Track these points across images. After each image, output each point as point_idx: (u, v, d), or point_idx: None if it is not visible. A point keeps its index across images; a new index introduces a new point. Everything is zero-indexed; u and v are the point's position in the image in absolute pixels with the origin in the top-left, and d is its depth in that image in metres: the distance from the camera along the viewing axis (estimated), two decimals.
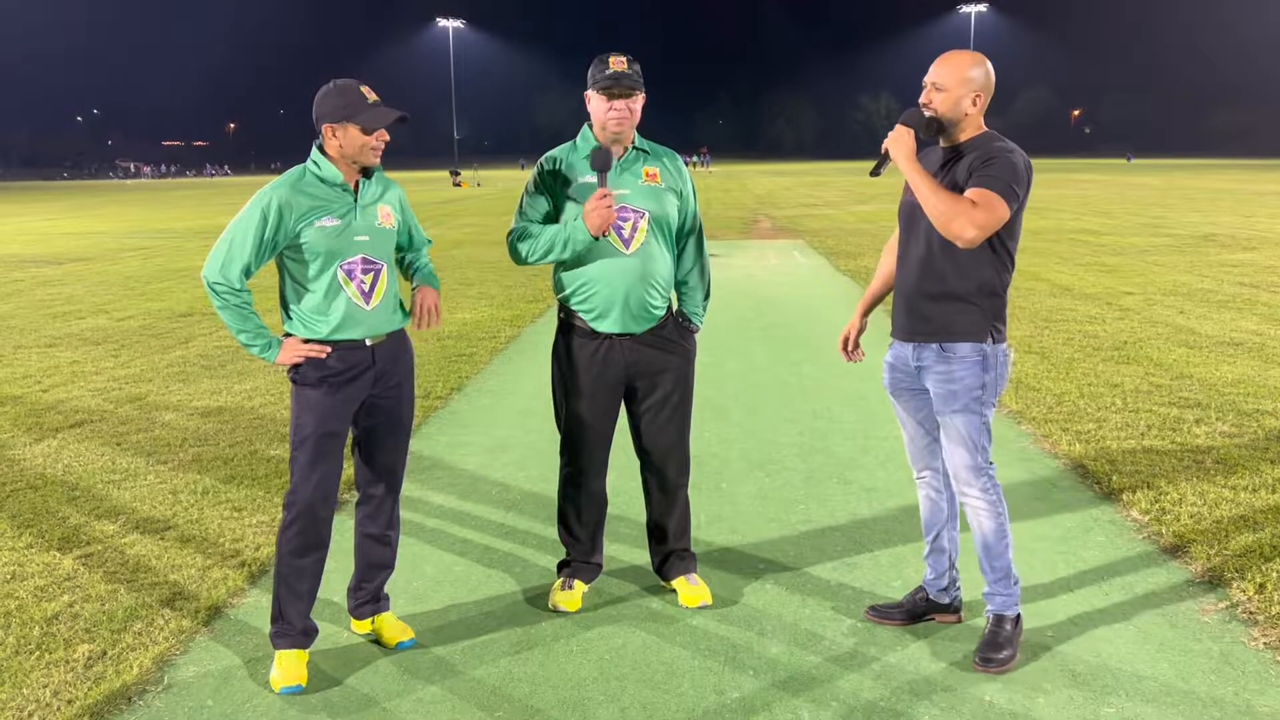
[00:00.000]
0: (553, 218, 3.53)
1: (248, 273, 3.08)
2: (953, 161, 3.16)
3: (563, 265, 3.53)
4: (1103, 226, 20.36)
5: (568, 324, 3.59)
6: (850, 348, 3.61)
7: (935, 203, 2.99)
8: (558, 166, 3.51)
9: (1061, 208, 26.16)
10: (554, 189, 3.51)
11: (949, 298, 3.16)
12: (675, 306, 3.70)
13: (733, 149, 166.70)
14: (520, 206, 3.57)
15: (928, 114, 3.14)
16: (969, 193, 3.00)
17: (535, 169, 3.56)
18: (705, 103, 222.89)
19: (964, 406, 3.18)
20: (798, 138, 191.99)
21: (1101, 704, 2.99)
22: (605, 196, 3.31)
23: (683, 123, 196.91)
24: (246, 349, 3.15)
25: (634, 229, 3.46)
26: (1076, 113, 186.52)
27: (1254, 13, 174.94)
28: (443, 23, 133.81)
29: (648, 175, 3.51)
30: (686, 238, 3.68)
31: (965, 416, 3.18)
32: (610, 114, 3.40)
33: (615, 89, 3.37)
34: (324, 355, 3.13)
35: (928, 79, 3.16)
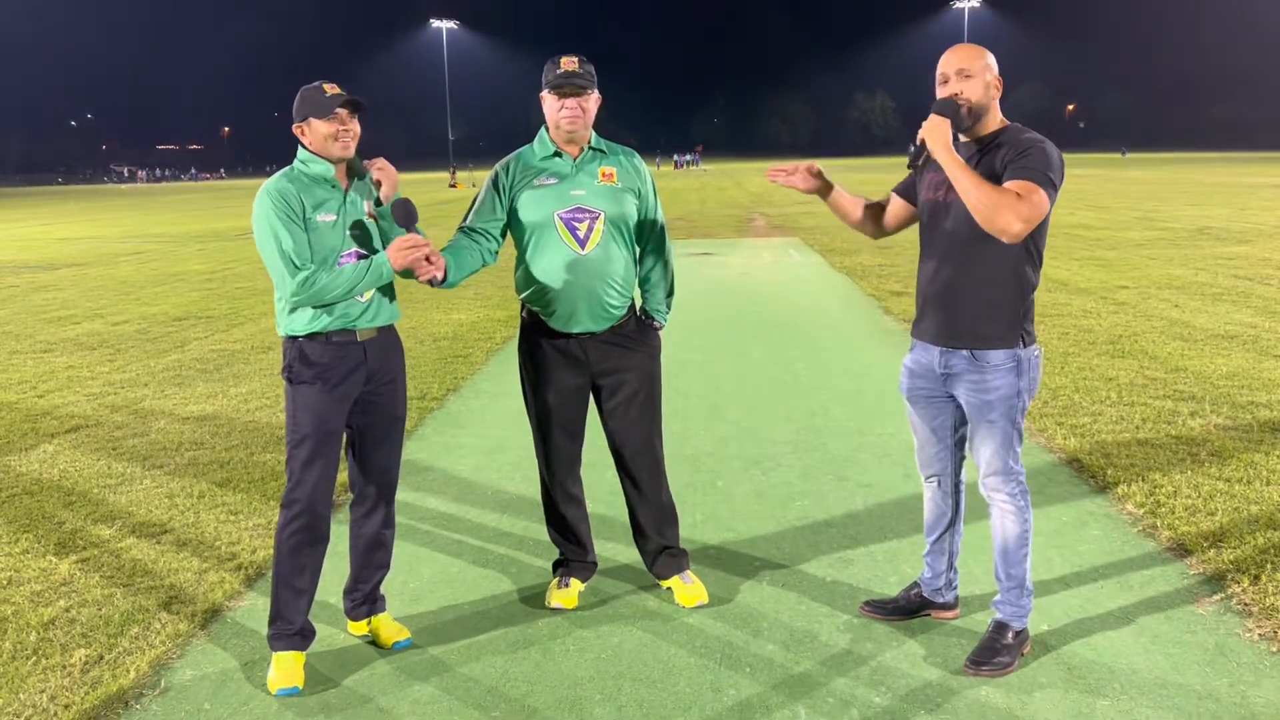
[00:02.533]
0: (503, 222, 3.55)
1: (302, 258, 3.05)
2: (982, 156, 3.04)
3: (523, 266, 3.56)
4: (1098, 221, 20.39)
5: (531, 324, 3.62)
6: (790, 175, 3.41)
7: (980, 196, 2.86)
8: (514, 170, 3.54)
9: (1056, 202, 26.13)
10: (511, 192, 3.53)
11: (981, 300, 3.06)
12: (639, 305, 3.72)
13: (729, 147, 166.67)
14: (471, 207, 3.58)
15: (963, 105, 3.01)
16: (1010, 185, 2.88)
17: (492, 173, 3.58)
18: (701, 102, 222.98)
19: (1002, 414, 3.09)
20: (794, 136, 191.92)
21: (1097, 698, 2.99)
22: (410, 243, 3.14)
23: (679, 122, 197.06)
24: (368, 287, 3.10)
25: (590, 229, 3.47)
26: (1071, 108, 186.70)
27: (1249, 7, 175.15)
28: (436, 23, 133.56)
29: (604, 175, 3.53)
30: (648, 236, 3.69)
31: (1003, 424, 3.10)
32: (563, 112, 3.42)
33: (567, 87, 3.40)
34: (422, 242, 3.10)
35: (950, 69, 3.03)
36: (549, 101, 3.45)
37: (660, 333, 3.75)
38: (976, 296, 3.07)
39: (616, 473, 3.80)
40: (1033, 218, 2.87)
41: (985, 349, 3.08)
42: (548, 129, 3.53)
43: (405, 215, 3.19)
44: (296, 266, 3.03)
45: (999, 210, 2.84)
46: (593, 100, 3.47)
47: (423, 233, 3.23)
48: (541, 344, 3.59)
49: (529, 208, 3.48)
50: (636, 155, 3.67)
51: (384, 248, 3.21)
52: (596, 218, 3.48)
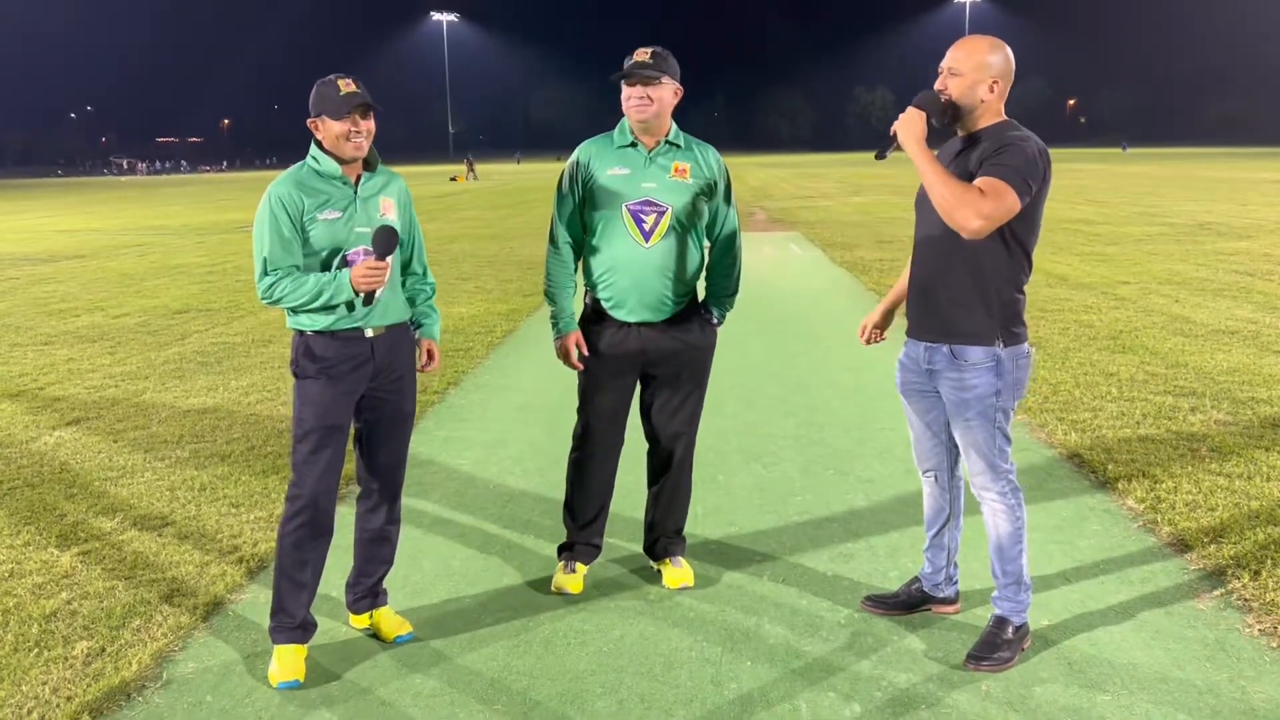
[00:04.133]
0: (579, 215, 3.60)
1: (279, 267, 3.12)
2: (966, 150, 3.06)
3: (591, 254, 3.61)
4: (1098, 216, 20.38)
5: (592, 310, 3.66)
6: (868, 334, 3.51)
7: (941, 190, 2.89)
8: (590, 159, 3.57)
9: (1057, 197, 26.15)
10: (586, 182, 3.56)
11: (957, 296, 3.07)
12: (701, 297, 3.76)
13: (728, 142, 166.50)
14: (555, 201, 3.65)
15: (943, 99, 3.03)
16: (977, 181, 2.89)
17: (569, 162, 3.63)
18: (701, 96, 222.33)
19: (978, 414, 3.10)
20: (793, 130, 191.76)
21: (1098, 692, 3.00)
22: (377, 269, 3.07)
23: (678, 117, 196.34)
24: (329, 301, 3.07)
25: (656, 223, 3.50)
26: (1072, 102, 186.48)
27: (1250, 3, 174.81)
28: (436, 17, 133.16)
29: (677, 170, 3.55)
30: (719, 234, 3.71)
31: (980, 423, 3.11)
32: (631, 101, 3.46)
33: (634, 77, 3.43)
34: (384, 268, 3.08)
35: (944, 64, 3.05)
36: (623, 91, 3.49)
37: (718, 330, 3.79)
38: (953, 293, 3.09)
39: (646, 457, 3.84)
40: (994, 215, 2.86)
41: (963, 345, 3.09)
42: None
43: (384, 245, 3.13)
44: (265, 273, 3.08)
45: (958, 206, 2.85)
46: (666, 90, 3.48)
47: (420, 263, 3.34)
48: (597, 330, 3.63)
49: (600, 197, 3.52)
50: (714, 151, 3.69)
51: (400, 248, 3.27)
52: (664, 212, 3.50)
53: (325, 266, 3.13)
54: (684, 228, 3.55)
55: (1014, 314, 3.09)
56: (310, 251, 3.11)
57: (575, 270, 3.69)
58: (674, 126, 3.58)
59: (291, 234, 3.08)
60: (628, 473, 3.96)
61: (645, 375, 3.69)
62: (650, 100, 3.45)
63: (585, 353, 3.64)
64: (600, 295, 3.61)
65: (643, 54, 3.47)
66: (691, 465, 3.87)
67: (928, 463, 3.42)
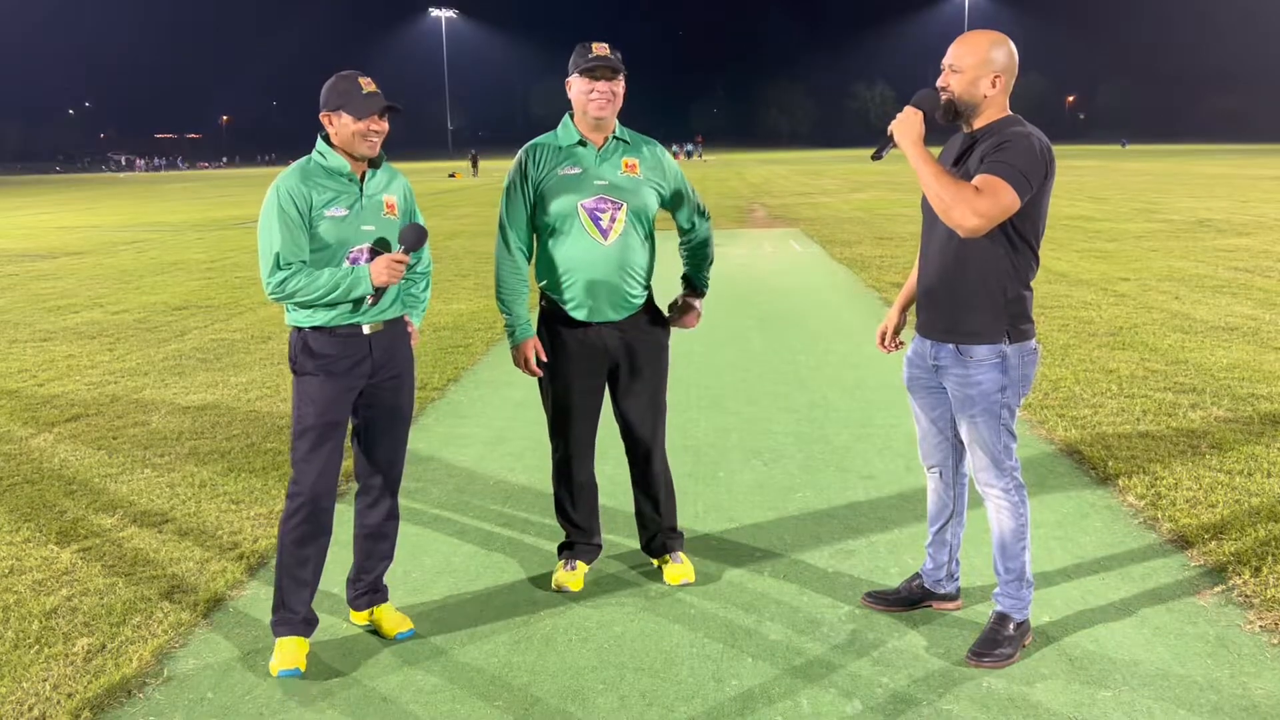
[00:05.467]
0: (531, 215, 3.55)
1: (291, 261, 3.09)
2: (970, 147, 3.05)
3: (544, 255, 3.57)
4: (1098, 212, 20.37)
5: (549, 312, 3.63)
6: (888, 341, 3.54)
7: (937, 189, 2.88)
8: (540, 159, 3.52)
9: (1056, 194, 26.05)
10: (535, 181, 3.52)
11: (962, 294, 3.07)
12: (652, 296, 3.74)
13: (729, 138, 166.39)
14: (503, 205, 3.59)
15: (944, 97, 3.02)
16: (975, 179, 2.89)
17: (514, 164, 3.56)
18: (701, 92, 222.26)
19: (983, 410, 3.09)
20: (793, 126, 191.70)
21: (1099, 688, 3.00)
22: (401, 263, 3.12)
23: (678, 112, 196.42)
24: (345, 295, 3.06)
25: (612, 220, 3.48)
26: (1071, 99, 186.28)
27: None
28: (435, 13, 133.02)
29: (627, 166, 3.53)
30: (688, 210, 3.72)
31: (986, 420, 3.10)
32: (593, 96, 3.41)
33: (599, 70, 3.40)
34: (406, 261, 3.12)
35: (946, 60, 3.04)
36: (578, 85, 3.44)
37: (669, 322, 3.80)
38: (959, 291, 3.08)
39: (626, 455, 3.83)
40: (991, 213, 2.85)
41: (969, 343, 3.08)
42: (572, 116, 3.52)
43: (415, 240, 3.15)
44: (278, 267, 3.04)
45: (954, 205, 2.85)
46: (622, 86, 3.47)
47: (418, 258, 3.34)
48: (560, 332, 3.60)
49: (553, 197, 3.48)
50: (659, 146, 3.68)
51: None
52: (619, 208, 3.49)
53: (327, 264, 3.12)
54: (639, 222, 3.54)
55: (1020, 310, 3.08)
56: (315, 247, 3.10)
57: (529, 275, 3.63)
58: (618, 124, 3.56)
59: (300, 228, 3.07)
60: (626, 470, 3.95)
61: (612, 374, 3.68)
62: (613, 96, 3.43)
63: (544, 359, 3.60)
64: (559, 297, 3.57)
65: (602, 48, 3.41)
66: (667, 458, 3.86)
67: (933, 459, 3.41)
